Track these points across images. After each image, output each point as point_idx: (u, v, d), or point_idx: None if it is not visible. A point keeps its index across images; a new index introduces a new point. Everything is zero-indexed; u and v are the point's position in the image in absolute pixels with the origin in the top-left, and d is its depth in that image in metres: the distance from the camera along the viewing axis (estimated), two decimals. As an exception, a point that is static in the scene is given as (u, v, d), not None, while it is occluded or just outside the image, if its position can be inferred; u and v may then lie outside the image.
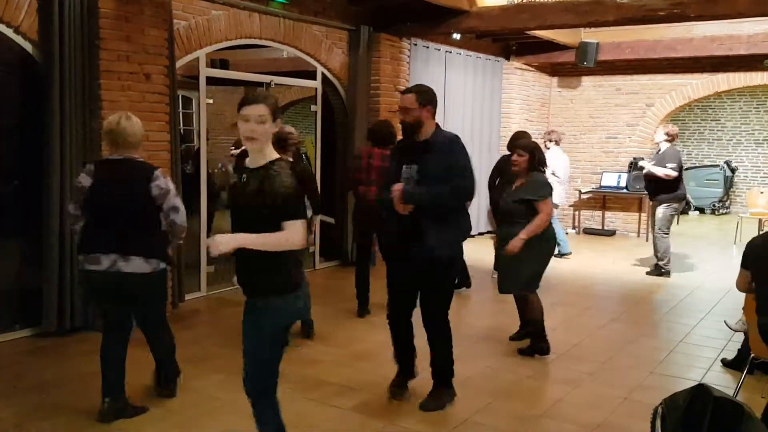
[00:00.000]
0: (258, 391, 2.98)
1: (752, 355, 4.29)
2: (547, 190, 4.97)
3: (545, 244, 5.01)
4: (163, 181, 3.74)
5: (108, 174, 3.72)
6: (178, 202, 3.81)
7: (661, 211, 8.03)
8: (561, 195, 8.65)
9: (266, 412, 3.00)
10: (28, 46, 5.11)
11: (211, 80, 6.76)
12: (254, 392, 2.98)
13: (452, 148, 3.96)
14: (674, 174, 7.82)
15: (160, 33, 5.69)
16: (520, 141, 5.40)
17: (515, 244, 4.79)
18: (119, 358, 3.89)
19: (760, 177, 15.18)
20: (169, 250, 3.89)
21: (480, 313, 6.68)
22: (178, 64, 6.06)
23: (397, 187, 3.90)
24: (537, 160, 5.01)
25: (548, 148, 8.83)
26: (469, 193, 3.99)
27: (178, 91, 6.26)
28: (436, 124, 4.01)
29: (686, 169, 10.85)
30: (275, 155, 2.90)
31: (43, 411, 3.93)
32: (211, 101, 6.76)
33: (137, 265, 3.66)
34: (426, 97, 3.94)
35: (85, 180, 3.73)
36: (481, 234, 10.51)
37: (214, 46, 6.50)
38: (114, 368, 3.86)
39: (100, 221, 3.70)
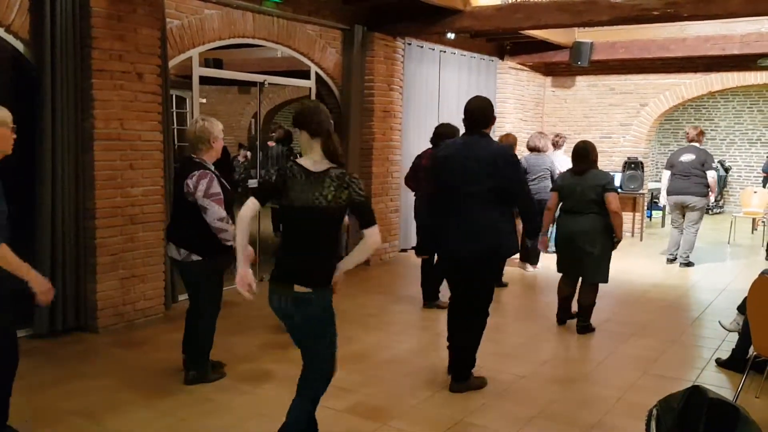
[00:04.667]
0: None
1: (754, 353, 4.30)
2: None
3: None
4: (193, 182, 4.06)
5: (178, 171, 4.37)
6: (207, 202, 4.05)
7: None
8: None
9: None
10: (19, 45, 5.07)
11: (204, 80, 6.73)
12: None
13: None
14: (665, 175, 8.89)
15: (152, 32, 5.65)
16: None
17: None
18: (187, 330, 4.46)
19: (754, 176, 15.21)
20: (230, 244, 4.05)
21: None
22: (171, 63, 6.03)
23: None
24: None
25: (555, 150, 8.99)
26: None
27: (172, 90, 6.22)
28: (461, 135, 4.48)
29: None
30: None
31: (36, 412, 3.90)
32: (204, 101, 6.73)
33: (173, 251, 4.24)
34: None
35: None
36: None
37: (208, 46, 6.46)
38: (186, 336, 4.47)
39: (172, 212, 4.39)
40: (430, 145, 6.20)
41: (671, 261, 8.99)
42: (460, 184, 4.19)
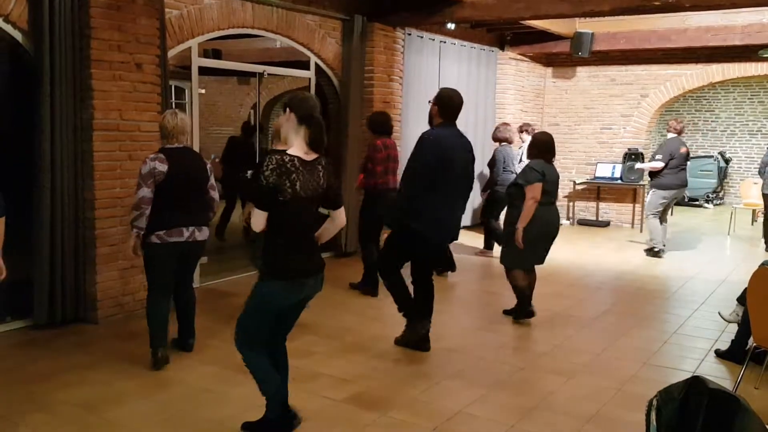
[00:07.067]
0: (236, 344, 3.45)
1: (754, 344, 4.31)
2: (532, 176, 5.40)
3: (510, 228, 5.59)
4: (209, 166, 4.61)
5: (181, 160, 4.39)
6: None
7: (648, 196, 9.12)
8: None
9: (248, 362, 3.47)
10: (18, 36, 5.04)
11: (203, 70, 6.71)
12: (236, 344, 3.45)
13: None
14: (658, 165, 8.64)
15: (151, 22, 5.62)
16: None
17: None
18: (167, 315, 4.56)
19: (754, 168, 15.18)
20: None
21: (471, 304, 6.67)
22: (170, 53, 6.00)
23: None
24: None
25: (523, 141, 8.96)
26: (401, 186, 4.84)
27: (170, 81, 6.20)
28: (441, 124, 4.74)
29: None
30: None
31: (34, 403, 3.90)
32: (203, 91, 6.72)
33: (206, 233, 4.58)
34: (437, 97, 4.81)
35: (161, 167, 4.29)
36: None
37: (207, 36, 6.43)
38: (164, 324, 4.53)
39: (179, 200, 4.38)
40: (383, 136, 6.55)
41: (659, 253, 8.73)
42: (461, 170, 4.74)
